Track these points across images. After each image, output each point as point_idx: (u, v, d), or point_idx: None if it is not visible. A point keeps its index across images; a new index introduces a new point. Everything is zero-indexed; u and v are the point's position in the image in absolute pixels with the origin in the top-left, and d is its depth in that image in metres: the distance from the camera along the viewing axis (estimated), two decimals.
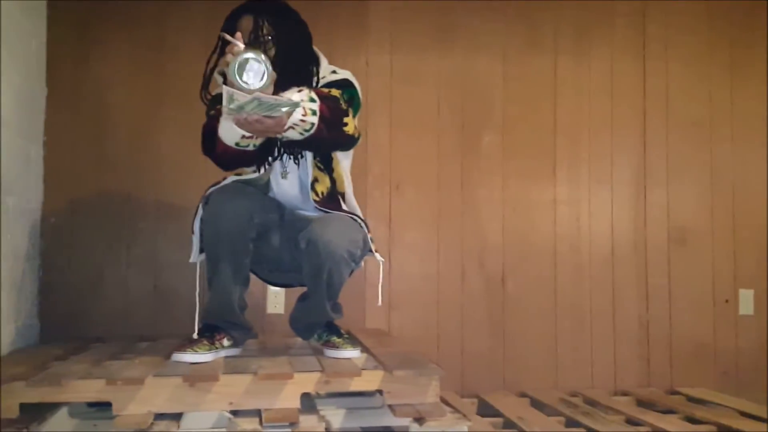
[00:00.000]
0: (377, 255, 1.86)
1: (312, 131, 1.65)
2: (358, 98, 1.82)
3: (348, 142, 1.80)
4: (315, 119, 1.64)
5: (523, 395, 2.57)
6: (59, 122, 2.48)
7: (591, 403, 2.44)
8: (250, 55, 1.51)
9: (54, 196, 2.46)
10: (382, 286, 1.90)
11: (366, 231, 1.82)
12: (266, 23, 1.74)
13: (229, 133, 1.63)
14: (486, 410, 2.36)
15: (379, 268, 1.88)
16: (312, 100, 1.63)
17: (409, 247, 2.70)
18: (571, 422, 2.16)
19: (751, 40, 2.91)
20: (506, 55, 2.79)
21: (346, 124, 1.72)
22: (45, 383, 1.52)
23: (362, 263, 1.90)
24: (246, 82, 1.50)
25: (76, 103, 2.50)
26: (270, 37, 1.74)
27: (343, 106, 1.72)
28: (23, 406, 1.52)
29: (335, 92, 1.73)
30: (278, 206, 1.87)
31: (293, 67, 1.73)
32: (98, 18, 2.53)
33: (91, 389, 1.54)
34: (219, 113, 1.63)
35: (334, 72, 1.83)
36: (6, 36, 2.07)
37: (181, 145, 2.51)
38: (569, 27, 2.83)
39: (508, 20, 2.79)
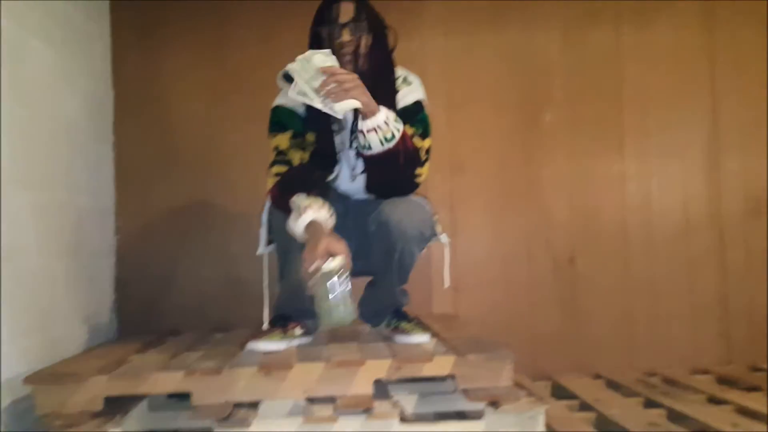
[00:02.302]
0: (443, 236, 1.84)
1: (392, 144, 1.65)
2: (428, 122, 1.79)
3: (411, 188, 1.78)
4: (398, 133, 1.65)
5: (598, 376, 2.51)
6: (127, 123, 2.55)
7: (670, 382, 2.36)
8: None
9: (126, 195, 2.54)
10: (447, 269, 1.88)
11: (432, 212, 1.80)
12: (366, 11, 1.73)
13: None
14: (560, 393, 2.32)
15: (445, 250, 1.86)
16: (397, 122, 1.67)
17: (473, 229, 2.66)
18: (650, 403, 2.10)
19: None
20: (565, 28, 2.70)
21: (419, 175, 1.74)
22: (126, 376, 1.57)
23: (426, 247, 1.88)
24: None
25: (143, 103, 2.57)
26: (368, 24, 1.72)
27: (422, 156, 1.73)
28: (107, 400, 1.57)
29: (418, 141, 1.74)
30: (342, 195, 1.86)
31: (386, 59, 1.74)
32: (161, 18, 2.58)
33: (170, 381, 1.58)
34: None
35: (405, 81, 1.80)
36: (71, 40, 2.14)
37: (246, 139, 2.55)
38: None
39: None
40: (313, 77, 1.59)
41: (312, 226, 1.57)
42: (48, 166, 1.94)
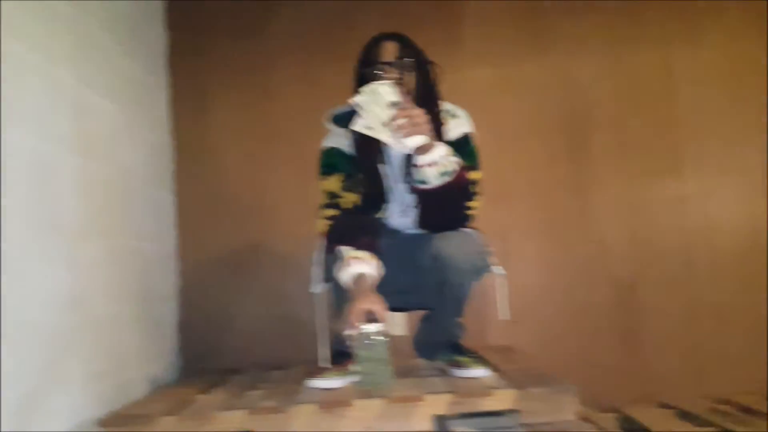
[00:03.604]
0: (497, 268, 1.82)
1: (448, 178, 1.66)
2: (477, 154, 1.81)
3: (464, 222, 1.78)
4: (456, 166, 1.66)
5: (666, 406, 2.41)
6: (187, 170, 2.66)
7: (745, 410, 2.25)
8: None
9: (187, 239, 2.63)
10: (504, 300, 1.86)
11: (484, 244, 1.79)
12: (410, 49, 1.76)
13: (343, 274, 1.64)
14: (629, 425, 2.24)
15: (500, 281, 1.84)
16: (454, 156, 1.68)
17: (525, 258, 2.64)
18: None
19: None
20: (610, 52, 2.68)
21: (471, 208, 1.75)
22: (193, 417, 1.61)
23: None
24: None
25: (200, 151, 2.68)
26: (412, 62, 1.75)
27: (474, 189, 1.74)
28: None
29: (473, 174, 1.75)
30: (393, 230, 1.88)
31: (431, 94, 1.76)
32: (213, 71, 2.70)
33: (235, 420, 1.61)
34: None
35: (451, 115, 1.82)
36: (133, 95, 2.26)
37: (293, 182, 2.62)
38: (677, 15, 2.67)
39: (608, 16, 2.69)
40: (381, 110, 1.58)
41: (358, 279, 1.59)
42: (116, 215, 2.04)
